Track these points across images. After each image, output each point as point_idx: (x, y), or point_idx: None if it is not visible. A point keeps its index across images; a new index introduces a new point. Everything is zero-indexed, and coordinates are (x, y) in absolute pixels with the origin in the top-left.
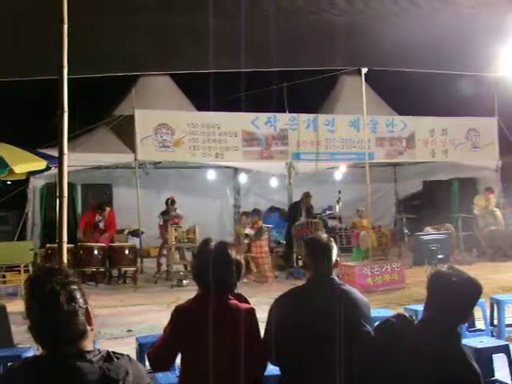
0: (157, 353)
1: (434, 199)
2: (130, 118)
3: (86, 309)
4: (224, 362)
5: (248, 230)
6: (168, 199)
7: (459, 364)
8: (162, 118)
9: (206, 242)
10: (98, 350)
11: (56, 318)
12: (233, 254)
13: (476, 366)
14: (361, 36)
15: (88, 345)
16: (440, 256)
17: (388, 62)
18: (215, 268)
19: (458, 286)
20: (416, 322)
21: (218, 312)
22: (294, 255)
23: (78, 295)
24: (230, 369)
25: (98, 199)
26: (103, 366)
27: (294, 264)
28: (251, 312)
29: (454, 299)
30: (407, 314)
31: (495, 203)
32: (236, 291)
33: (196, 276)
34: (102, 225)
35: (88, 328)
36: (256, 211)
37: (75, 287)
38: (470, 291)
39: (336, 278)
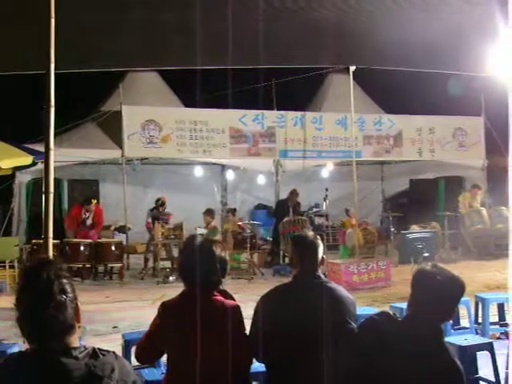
0: (142, 347)
1: (420, 198)
2: (118, 114)
3: (76, 304)
4: (209, 358)
5: (200, 230)
6: (158, 199)
7: (442, 361)
8: (150, 114)
9: (191, 239)
10: (84, 346)
11: (47, 307)
12: (217, 250)
13: (459, 364)
14: (350, 34)
15: (74, 341)
16: (426, 254)
17: (376, 61)
18: (200, 265)
19: (441, 284)
20: (400, 319)
21: (204, 309)
22: (281, 252)
23: (69, 289)
24: (216, 366)
25: (85, 195)
26: (89, 363)
27: (281, 261)
28: (236, 309)
29: (438, 297)
30: (391, 312)
31: (480, 202)
32: (221, 288)
33: (181, 273)
34: (89, 221)
35: (76, 324)
36: (209, 211)
37: (67, 281)
38: (454, 289)
39: (322, 276)
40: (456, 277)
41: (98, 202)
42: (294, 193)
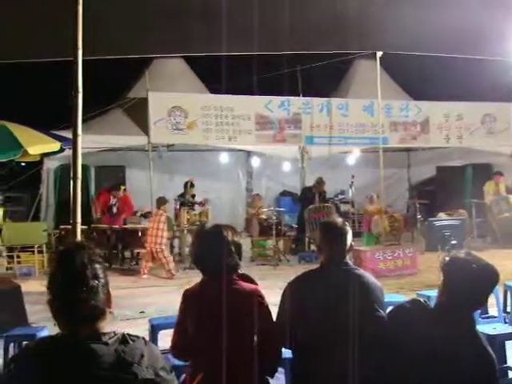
0: (177, 343)
1: (447, 185)
2: (144, 101)
3: (108, 289)
4: (236, 345)
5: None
6: (187, 182)
7: (475, 349)
8: (176, 100)
9: (201, 227)
10: (114, 332)
11: (80, 292)
12: (229, 235)
13: (491, 351)
14: (376, 19)
15: (105, 326)
16: (453, 242)
17: (404, 46)
18: (212, 251)
19: (476, 272)
20: (431, 307)
21: (225, 296)
22: (306, 239)
23: (102, 274)
24: (244, 351)
25: (112, 181)
26: (118, 349)
27: (306, 248)
28: (258, 292)
29: (472, 285)
30: (422, 300)
31: (505, 189)
32: (241, 272)
33: (196, 263)
34: (115, 208)
35: (107, 309)
36: (159, 199)
37: (100, 266)
38: (488, 278)
39: (350, 262)
40: (490, 265)
41: (125, 189)
42: (320, 182)
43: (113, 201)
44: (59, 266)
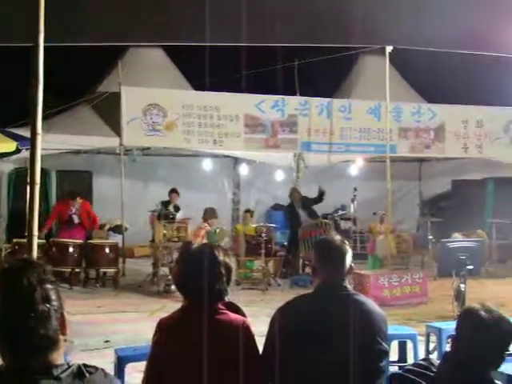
0: (149, 382)
1: (464, 201)
2: (116, 96)
3: (62, 314)
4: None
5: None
6: (172, 189)
7: None
8: (153, 96)
9: (188, 244)
10: (68, 363)
11: (27, 318)
12: (220, 256)
13: None
14: (386, 9)
15: (58, 358)
16: (469, 267)
17: (417, 41)
18: (200, 273)
19: (490, 329)
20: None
21: (207, 326)
22: (300, 260)
23: (54, 296)
24: None
25: (76, 188)
26: None
27: (300, 271)
28: (246, 325)
29: (486, 342)
30: (426, 363)
31: None
32: (227, 299)
33: (179, 284)
34: (76, 218)
35: (61, 337)
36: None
37: (52, 286)
38: (505, 335)
39: (349, 287)
40: (506, 319)
41: (90, 196)
42: (292, 193)
43: (72, 210)
44: (2, 287)
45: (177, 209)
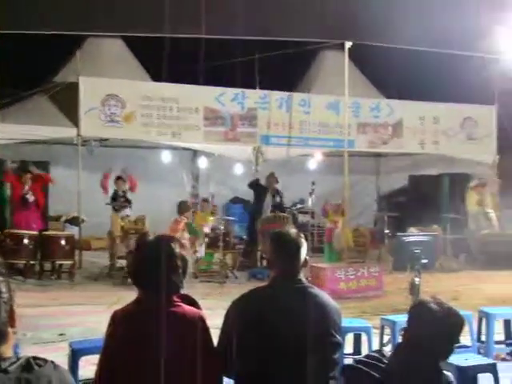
0: (102, 375)
1: (420, 196)
2: (74, 86)
3: (11, 306)
4: (171, 377)
5: None
6: (118, 176)
7: None
8: (111, 87)
9: (144, 235)
10: (17, 356)
11: None
12: (176, 247)
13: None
14: (346, 4)
15: (6, 350)
16: (424, 261)
17: (376, 37)
18: (157, 265)
19: (440, 320)
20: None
21: (161, 319)
22: (258, 253)
23: (4, 289)
24: None
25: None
26: (21, 377)
27: (258, 263)
28: (200, 317)
29: (436, 334)
30: (378, 354)
31: (493, 204)
32: (183, 292)
33: (134, 275)
34: (31, 198)
35: (9, 330)
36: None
37: (2, 278)
38: (453, 326)
39: (304, 280)
40: (455, 312)
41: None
42: (270, 177)
43: (26, 189)
44: None
45: (124, 194)
